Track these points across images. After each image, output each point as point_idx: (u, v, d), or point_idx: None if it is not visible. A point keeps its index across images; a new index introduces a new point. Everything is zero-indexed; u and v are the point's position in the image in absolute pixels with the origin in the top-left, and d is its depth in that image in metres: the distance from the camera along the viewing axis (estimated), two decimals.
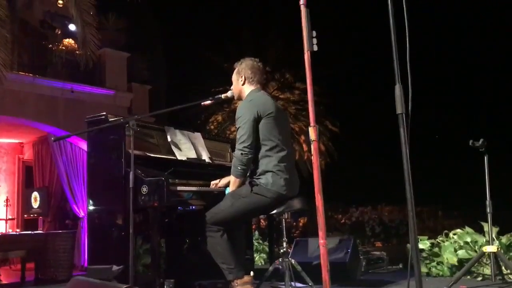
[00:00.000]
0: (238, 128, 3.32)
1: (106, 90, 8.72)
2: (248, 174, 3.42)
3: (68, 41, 8.79)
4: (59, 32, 8.86)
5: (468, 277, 4.45)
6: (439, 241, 5.07)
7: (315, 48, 2.59)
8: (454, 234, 4.99)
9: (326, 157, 15.36)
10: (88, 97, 8.40)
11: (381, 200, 13.32)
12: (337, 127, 15.68)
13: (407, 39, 2.35)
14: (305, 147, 14.75)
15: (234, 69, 3.59)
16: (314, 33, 2.59)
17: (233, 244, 3.33)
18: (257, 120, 3.30)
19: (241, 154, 3.24)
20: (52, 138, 4.14)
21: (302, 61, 2.75)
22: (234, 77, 3.57)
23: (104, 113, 3.73)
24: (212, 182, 3.59)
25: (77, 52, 8.43)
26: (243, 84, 3.52)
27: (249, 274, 3.32)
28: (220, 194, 3.49)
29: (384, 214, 12.17)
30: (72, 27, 8.59)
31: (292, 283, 3.62)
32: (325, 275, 2.47)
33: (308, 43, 2.59)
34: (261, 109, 3.32)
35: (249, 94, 3.47)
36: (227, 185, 3.46)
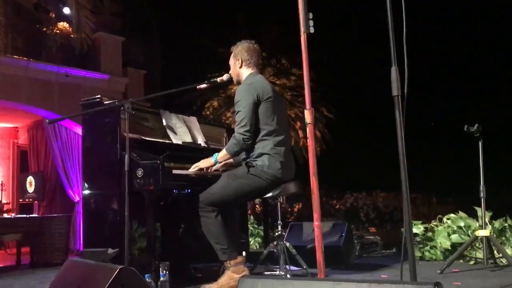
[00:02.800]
0: (237, 112, 3.31)
1: (101, 74, 8.67)
2: (244, 157, 3.43)
3: (63, 25, 8.70)
4: (53, 15, 8.78)
5: (461, 261, 4.51)
6: (432, 225, 5.13)
7: (312, 30, 2.58)
8: (448, 219, 5.05)
9: (321, 143, 15.39)
10: (83, 81, 8.35)
11: (376, 187, 13.38)
12: (333, 113, 15.69)
13: (404, 22, 2.34)
14: (300, 134, 14.77)
15: (231, 52, 3.57)
16: (311, 15, 2.58)
17: (227, 226, 3.35)
18: (256, 104, 3.30)
19: (243, 138, 3.25)
20: (47, 121, 4.13)
21: (298, 47, 2.74)
22: (231, 60, 3.57)
23: (99, 96, 3.70)
24: (193, 166, 3.49)
25: (72, 36, 8.37)
26: (240, 67, 3.51)
27: (242, 254, 3.34)
28: (215, 178, 3.49)
29: (379, 200, 12.23)
30: (66, 10, 8.52)
31: (287, 266, 3.65)
32: (319, 256, 2.49)
33: (305, 25, 2.58)
34: (261, 92, 3.32)
35: (248, 77, 3.47)
36: (209, 165, 3.45)
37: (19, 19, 8.20)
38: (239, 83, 3.55)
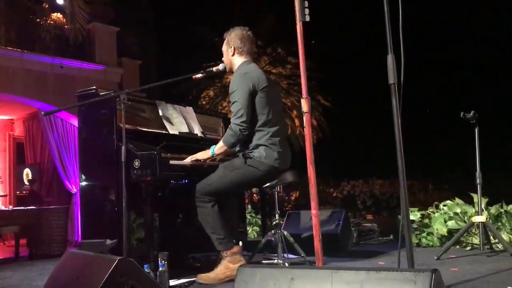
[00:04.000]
0: (233, 102, 3.25)
1: (96, 65, 8.63)
2: (238, 148, 3.41)
3: (56, 15, 8.64)
4: (47, 6, 8.70)
5: (458, 247, 4.55)
6: (429, 212, 5.16)
7: (307, 18, 2.56)
8: (444, 206, 5.08)
9: (318, 132, 15.38)
10: (78, 72, 8.31)
11: (372, 174, 13.43)
12: (329, 102, 15.67)
13: (400, 10, 2.33)
14: (297, 122, 14.75)
15: (224, 39, 3.50)
16: (306, 3, 2.56)
17: (225, 216, 3.35)
18: (252, 94, 3.25)
19: (240, 129, 3.19)
20: (42, 113, 4.12)
21: (294, 35, 2.73)
22: (224, 47, 3.49)
23: (94, 87, 3.69)
24: (190, 157, 3.43)
25: (66, 26, 8.31)
26: (232, 55, 3.44)
27: (238, 244, 3.34)
28: (211, 168, 3.49)
29: (375, 187, 12.28)
30: (59, 0, 8.44)
31: (285, 255, 3.67)
32: (317, 245, 2.50)
33: (300, 13, 2.56)
34: (256, 82, 3.26)
35: (241, 66, 3.39)
36: (206, 158, 3.40)
37: (13, 10, 8.13)
38: (231, 71, 3.49)
